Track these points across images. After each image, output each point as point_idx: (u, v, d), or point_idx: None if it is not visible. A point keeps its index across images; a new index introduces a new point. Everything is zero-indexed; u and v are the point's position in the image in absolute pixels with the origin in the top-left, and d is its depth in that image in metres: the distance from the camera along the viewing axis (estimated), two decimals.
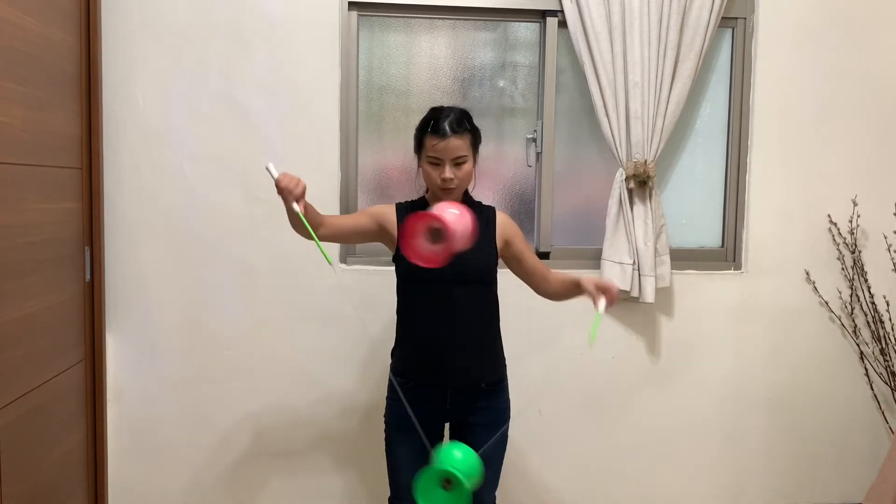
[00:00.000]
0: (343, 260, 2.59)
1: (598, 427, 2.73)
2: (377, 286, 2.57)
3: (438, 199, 1.95)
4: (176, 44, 2.46)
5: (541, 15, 2.63)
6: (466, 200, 2.00)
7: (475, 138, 1.95)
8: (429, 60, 2.65)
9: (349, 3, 2.54)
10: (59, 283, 2.20)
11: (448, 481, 1.64)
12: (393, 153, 2.68)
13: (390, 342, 2.08)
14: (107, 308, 2.48)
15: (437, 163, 1.90)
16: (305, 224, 1.71)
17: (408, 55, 2.64)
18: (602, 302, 1.81)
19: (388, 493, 2.10)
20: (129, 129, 2.46)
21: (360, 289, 2.57)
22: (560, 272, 2.05)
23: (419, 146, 1.96)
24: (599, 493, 2.76)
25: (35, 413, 2.06)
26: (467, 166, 1.92)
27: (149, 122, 2.47)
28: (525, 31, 2.69)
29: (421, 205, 2.00)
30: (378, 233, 2.00)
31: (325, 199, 2.55)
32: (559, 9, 2.56)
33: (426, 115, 1.96)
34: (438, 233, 1.63)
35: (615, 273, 2.57)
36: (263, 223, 2.53)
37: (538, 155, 2.69)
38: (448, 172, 1.89)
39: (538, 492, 2.73)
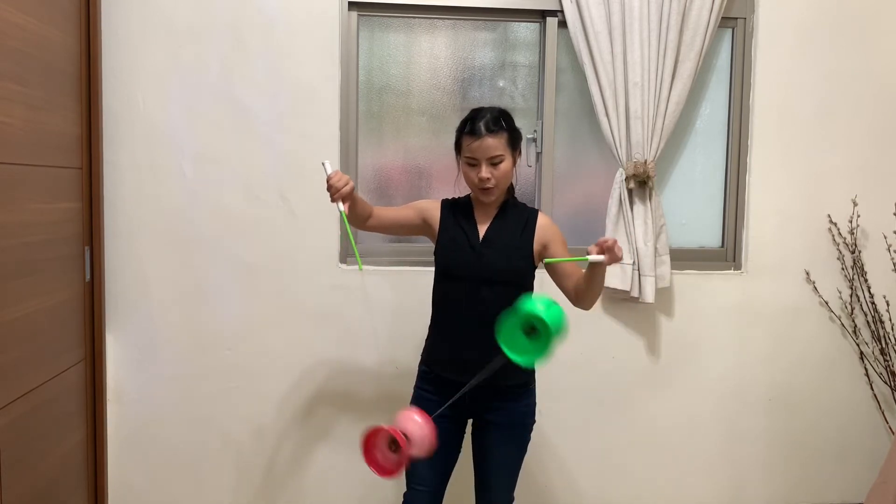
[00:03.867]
0: (343, 260, 2.59)
1: (598, 427, 2.73)
2: (376, 286, 2.57)
3: (478, 200, 1.98)
4: (176, 44, 2.46)
5: (541, 15, 2.63)
6: (510, 202, 2.01)
7: (513, 138, 1.94)
8: (429, 60, 2.65)
9: (349, 3, 2.54)
10: (59, 283, 2.20)
11: (532, 329, 1.60)
12: (393, 153, 2.68)
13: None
14: (107, 308, 2.48)
15: (474, 163, 1.91)
16: (345, 223, 1.82)
17: (408, 55, 2.64)
18: (595, 254, 1.71)
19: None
20: (129, 129, 2.46)
21: (360, 288, 2.57)
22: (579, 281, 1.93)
23: (458, 147, 1.97)
24: (599, 492, 2.76)
25: (35, 413, 2.06)
26: (504, 166, 1.91)
27: (149, 122, 2.47)
28: (525, 31, 2.69)
29: (465, 203, 2.03)
30: (421, 227, 2.05)
31: (325, 200, 2.54)
32: (559, 9, 2.56)
33: (466, 115, 1.97)
34: (397, 443, 1.69)
35: (615, 273, 2.58)
36: (263, 223, 2.53)
37: (538, 155, 2.69)
38: (485, 172, 1.89)
39: (538, 491, 2.73)
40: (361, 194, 2.64)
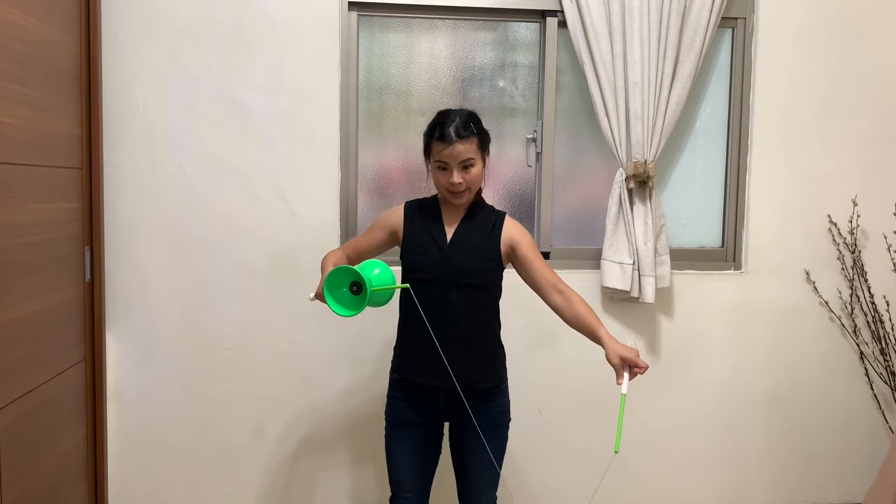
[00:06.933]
0: None
1: (598, 427, 2.73)
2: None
3: (446, 201, 1.97)
4: (176, 44, 2.46)
5: (541, 15, 2.63)
6: (478, 203, 2.00)
7: (483, 140, 1.93)
8: (429, 60, 2.65)
9: (349, 3, 2.54)
10: (59, 283, 2.20)
11: (357, 285, 1.71)
12: (393, 153, 2.68)
13: (390, 341, 2.08)
14: (107, 308, 2.48)
15: (445, 167, 1.90)
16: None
17: (408, 55, 2.64)
18: (625, 379, 1.71)
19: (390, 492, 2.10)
20: (129, 129, 2.46)
21: None
22: (585, 312, 1.86)
23: (427, 151, 1.95)
24: (599, 492, 2.75)
25: (35, 413, 2.06)
26: (475, 169, 1.90)
27: (149, 122, 2.47)
28: (525, 31, 2.69)
29: (432, 204, 2.01)
30: (391, 240, 2.03)
31: (325, 200, 2.55)
32: (559, 9, 2.56)
33: (433, 119, 1.94)
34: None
35: (615, 273, 2.58)
36: (263, 223, 2.53)
37: (538, 155, 2.69)
38: (456, 177, 1.88)
39: (538, 491, 2.73)
40: (361, 194, 2.65)
